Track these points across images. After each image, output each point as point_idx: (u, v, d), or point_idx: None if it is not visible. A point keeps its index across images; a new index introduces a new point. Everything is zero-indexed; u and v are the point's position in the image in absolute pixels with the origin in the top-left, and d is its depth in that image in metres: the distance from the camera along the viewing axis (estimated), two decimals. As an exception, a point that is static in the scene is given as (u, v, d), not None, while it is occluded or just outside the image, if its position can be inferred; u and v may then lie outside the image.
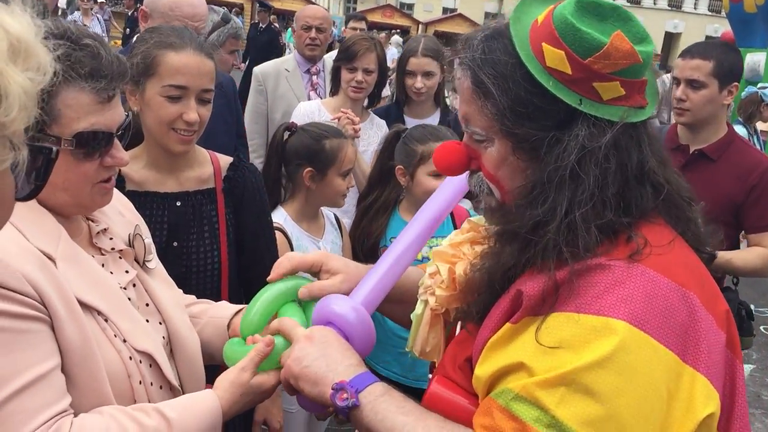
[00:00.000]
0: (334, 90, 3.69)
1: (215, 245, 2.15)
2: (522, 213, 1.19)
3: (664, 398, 1.04)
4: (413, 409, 1.19)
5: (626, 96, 1.19)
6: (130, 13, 15.28)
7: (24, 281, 1.19)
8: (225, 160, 2.25)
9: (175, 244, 2.09)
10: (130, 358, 1.34)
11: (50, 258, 1.27)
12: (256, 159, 3.92)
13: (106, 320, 1.33)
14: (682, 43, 40.40)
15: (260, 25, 13.37)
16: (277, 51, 9.89)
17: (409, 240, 1.55)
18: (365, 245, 2.86)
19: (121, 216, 1.58)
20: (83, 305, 1.29)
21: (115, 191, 1.64)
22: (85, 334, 1.26)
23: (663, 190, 1.20)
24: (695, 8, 49.52)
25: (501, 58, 1.21)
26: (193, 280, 2.11)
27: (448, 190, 1.63)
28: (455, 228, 2.93)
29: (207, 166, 2.19)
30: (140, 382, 1.35)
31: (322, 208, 2.79)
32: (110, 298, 1.35)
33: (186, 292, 2.01)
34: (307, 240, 2.66)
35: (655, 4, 48.77)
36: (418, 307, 1.43)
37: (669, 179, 1.23)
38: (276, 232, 2.42)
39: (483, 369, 1.15)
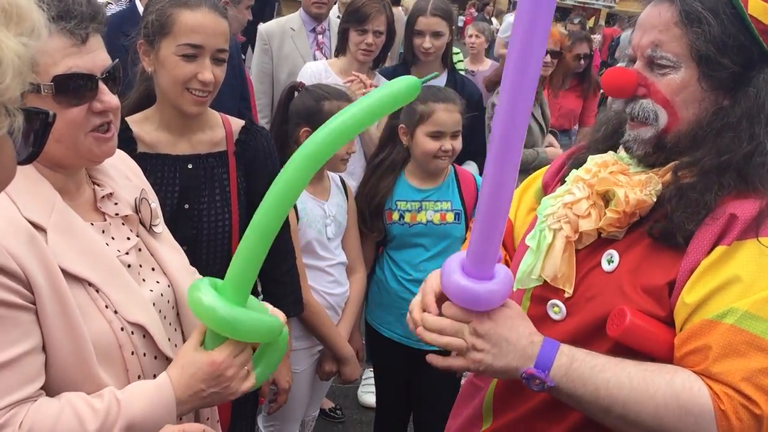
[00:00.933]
0: (341, 50, 3.63)
1: (226, 208, 2.14)
2: (732, 143, 1.34)
3: None
4: (605, 363, 1.30)
5: None
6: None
7: (8, 257, 1.17)
8: (237, 123, 2.23)
9: (187, 206, 2.09)
10: (122, 329, 1.32)
11: (41, 228, 1.25)
12: (262, 119, 3.89)
13: (97, 291, 1.31)
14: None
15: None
16: (271, 2, 9.54)
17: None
18: (371, 204, 2.85)
19: (128, 180, 1.57)
20: (73, 277, 1.27)
21: (124, 155, 1.63)
22: (69, 310, 1.24)
23: None
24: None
25: None
26: (204, 242, 2.11)
27: None
28: (459, 190, 2.92)
29: (219, 130, 2.17)
30: (132, 353, 1.34)
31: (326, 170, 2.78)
32: (103, 269, 1.33)
33: (196, 254, 2.03)
34: (312, 203, 2.65)
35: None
36: (547, 236, 1.49)
37: None
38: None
39: (693, 294, 1.29)
